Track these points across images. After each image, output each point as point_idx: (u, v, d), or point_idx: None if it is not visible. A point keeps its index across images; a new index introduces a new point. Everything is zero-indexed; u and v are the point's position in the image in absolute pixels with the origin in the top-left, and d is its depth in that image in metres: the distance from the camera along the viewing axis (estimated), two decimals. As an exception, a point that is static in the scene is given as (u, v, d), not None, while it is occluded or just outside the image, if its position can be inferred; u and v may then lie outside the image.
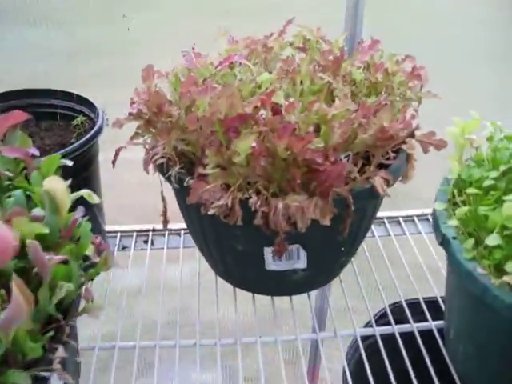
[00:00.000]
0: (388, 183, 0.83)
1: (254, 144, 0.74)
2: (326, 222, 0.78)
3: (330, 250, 0.89)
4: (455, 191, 0.77)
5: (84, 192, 0.78)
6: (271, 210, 0.77)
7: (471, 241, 0.69)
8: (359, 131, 0.81)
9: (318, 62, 0.92)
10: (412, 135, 0.86)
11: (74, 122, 0.99)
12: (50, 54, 3.58)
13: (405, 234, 1.17)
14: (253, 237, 0.84)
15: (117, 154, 0.87)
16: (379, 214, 1.17)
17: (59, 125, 1.01)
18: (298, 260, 0.88)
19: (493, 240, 0.65)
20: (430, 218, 1.19)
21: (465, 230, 0.72)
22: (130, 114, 0.86)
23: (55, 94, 1.03)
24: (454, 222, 0.71)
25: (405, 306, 1.00)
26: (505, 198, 0.68)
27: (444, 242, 0.73)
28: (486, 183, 0.73)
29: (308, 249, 0.87)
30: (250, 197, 0.78)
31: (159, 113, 0.84)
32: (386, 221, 1.20)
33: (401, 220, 1.21)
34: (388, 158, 0.87)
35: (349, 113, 0.81)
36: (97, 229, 1.04)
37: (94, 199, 0.79)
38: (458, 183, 0.79)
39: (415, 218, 1.21)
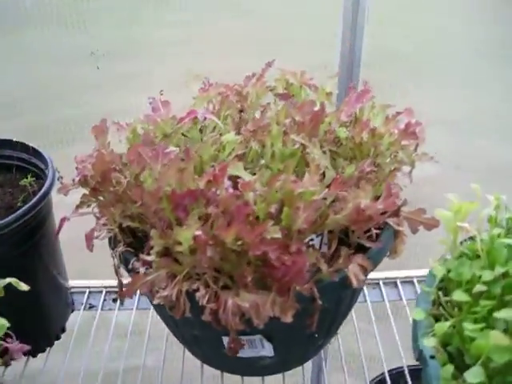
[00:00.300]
0: (366, 270, 0.70)
1: (198, 232, 0.62)
2: (288, 319, 0.66)
3: (301, 338, 0.77)
4: (440, 293, 0.64)
5: (11, 280, 0.68)
6: (220, 307, 0.66)
7: (450, 368, 0.56)
8: (330, 211, 0.69)
9: (294, 118, 0.79)
10: (397, 214, 0.73)
11: (22, 183, 0.89)
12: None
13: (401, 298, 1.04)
14: (208, 326, 0.73)
15: (60, 226, 0.77)
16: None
17: (15, 178, 0.92)
18: (263, 348, 0.76)
19: (474, 376, 0.52)
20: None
21: (445, 348, 0.59)
22: (77, 180, 0.76)
23: (15, 146, 0.94)
24: (431, 342, 0.58)
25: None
26: (496, 314, 0.55)
27: (421, 359, 0.60)
28: (477, 288, 0.60)
29: (273, 339, 0.75)
30: (198, 289, 0.67)
31: (104, 181, 0.74)
32: (380, 283, 1.06)
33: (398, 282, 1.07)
34: (370, 236, 0.74)
35: (320, 189, 0.68)
36: (55, 286, 0.95)
37: (21, 286, 0.69)
38: (445, 281, 0.66)
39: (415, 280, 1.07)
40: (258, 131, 0.76)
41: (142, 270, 0.70)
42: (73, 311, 1.02)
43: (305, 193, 0.67)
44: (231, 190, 0.68)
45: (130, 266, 0.71)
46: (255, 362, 0.79)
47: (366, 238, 0.73)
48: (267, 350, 0.76)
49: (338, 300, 0.75)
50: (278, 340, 0.75)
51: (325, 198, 0.68)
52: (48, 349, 0.95)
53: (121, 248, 0.73)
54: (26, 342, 0.92)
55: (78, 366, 0.92)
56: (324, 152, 0.76)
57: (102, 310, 1.02)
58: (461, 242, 0.70)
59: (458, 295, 0.60)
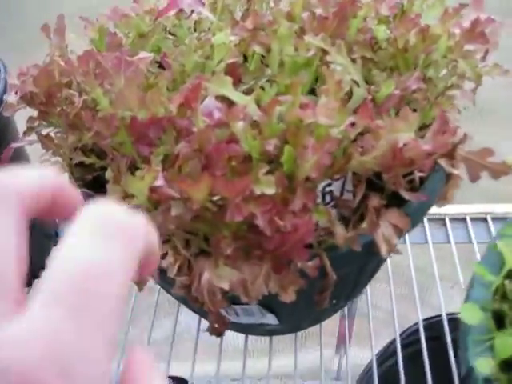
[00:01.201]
0: (401, 232, 0.50)
1: (157, 183, 0.43)
2: (289, 297, 0.48)
3: (311, 307, 0.59)
4: (507, 282, 0.44)
5: None
6: (194, 282, 0.48)
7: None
8: (355, 149, 0.48)
9: (312, 11, 0.56)
10: (451, 155, 0.52)
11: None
12: None
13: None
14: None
15: (5, 157, 0.59)
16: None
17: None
18: (264, 317, 0.59)
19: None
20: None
21: (507, 370, 0.40)
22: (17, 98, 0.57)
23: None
24: (488, 364, 0.39)
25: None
26: None
27: (469, 380, 0.41)
28: None
29: (275, 310, 0.58)
30: (166, 255, 0.49)
31: (49, 101, 0.55)
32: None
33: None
34: (411, 181, 0.54)
35: (340, 119, 0.47)
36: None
37: None
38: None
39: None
40: (260, 31, 0.55)
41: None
42: (56, 244, 0.87)
43: (317, 124, 0.47)
44: (217, 116, 0.48)
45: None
46: (258, 327, 0.63)
47: (406, 184, 0.53)
48: (269, 318, 0.59)
49: (360, 268, 0.56)
50: (281, 311, 0.58)
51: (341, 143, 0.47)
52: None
53: (74, 190, 0.55)
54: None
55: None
56: (353, 60, 0.54)
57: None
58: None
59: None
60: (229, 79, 0.49)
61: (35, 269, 0.75)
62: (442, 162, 0.53)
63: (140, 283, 0.51)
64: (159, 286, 0.74)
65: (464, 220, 0.84)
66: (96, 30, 0.61)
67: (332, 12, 0.54)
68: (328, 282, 0.49)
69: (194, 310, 0.70)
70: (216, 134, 0.47)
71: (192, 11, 0.61)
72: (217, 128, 0.46)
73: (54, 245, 0.87)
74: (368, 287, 0.72)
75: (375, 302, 1.11)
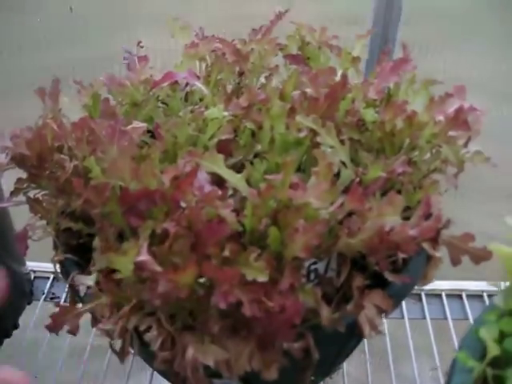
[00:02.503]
0: (384, 313, 0.51)
1: (142, 257, 0.43)
2: (271, 375, 0.48)
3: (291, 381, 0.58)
4: (488, 369, 0.44)
5: None
6: (176, 357, 0.47)
7: None
8: (342, 231, 0.49)
9: (303, 91, 0.58)
10: (435, 239, 0.53)
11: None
12: None
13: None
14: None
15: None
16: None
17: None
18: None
19: None
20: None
21: None
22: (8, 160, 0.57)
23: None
24: None
25: None
26: None
27: None
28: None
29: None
30: (149, 327, 0.48)
31: (41, 166, 0.55)
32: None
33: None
34: (394, 262, 0.55)
35: (329, 200, 0.48)
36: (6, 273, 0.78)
37: None
38: (497, 347, 0.46)
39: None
40: (253, 108, 0.56)
41: (81, 289, 0.53)
42: (29, 303, 0.85)
43: (307, 206, 0.48)
44: (208, 191, 0.48)
45: (70, 282, 0.54)
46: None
47: (389, 265, 0.54)
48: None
49: (341, 347, 0.56)
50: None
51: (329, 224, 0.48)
52: (-5, 348, 0.80)
53: (59, 256, 0.55)
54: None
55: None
56: (342, 142, 0.56)
57: (66, 301, 0.85)
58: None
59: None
60: (221, 157, 0.50)
61: (8, 328, 0.73)
62: (425, 246, 0.54)
63: (121, 355, 0.50)
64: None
65: (439, 296, 0.86)
66: (90, 95, 0.61)
67: (324, 94, 0.56)
68: (310, 362, 0.49)
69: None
70: (206, 212, 0.47)
71: (186, 84, 0.62)
72: (207, 205, 0.46)
73: (28, 303, 0.86)
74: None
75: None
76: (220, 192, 0.48)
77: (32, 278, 0.89)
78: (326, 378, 0.66)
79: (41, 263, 0.90)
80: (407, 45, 0.67)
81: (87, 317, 0.51)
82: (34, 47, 1.17)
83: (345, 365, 0.78)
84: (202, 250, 0.45)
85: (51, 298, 0.86)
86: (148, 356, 0.51)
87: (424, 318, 0.83)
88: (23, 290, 0.84)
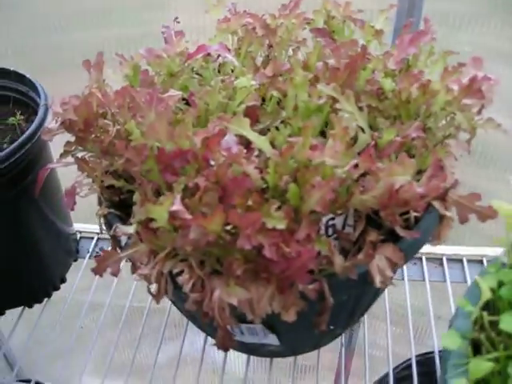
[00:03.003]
0: (395, 266, 0.56)
1: (175, 207, 0.49)
2: (290, 317, 0.54)
3: (311, 331, 0.64)
4: (484, 313, 0.49)
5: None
6: (206, 298, 0.53)
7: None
8: (356, 188, 0.54)
9: (325, 62, 0.63)
10: (443, 197, 0.57)
11: (10, 121, 0.78)
12: None
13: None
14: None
15: (41, 177, 0.66)
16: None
17: (12, 112, 0.81)
18: (266, 337, 0.64)
19: None
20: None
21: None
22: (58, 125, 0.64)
23: (9, 74, 0.82)
24: (462, 383, 0.44)
25: None
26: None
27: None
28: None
29: (277, 331, 0.63)
30: (182, 272, 0.55)
31: (87, 129, 0.61)
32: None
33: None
34: (407, 220, 0.59)
35: (345, 160, 0.53)
36: (53, 232, 0.85)
37: None
38: (495, 296, 0.50)
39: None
40: (278, 78, 0.61)
41: (123, 239, 0.59)
42: (76, 260, 0.93)
43: (323, 165, 0.53)
44: (235, 151, 0.54)
45: (112, 233, 0.60)
46: (260, 347, 0.68)
47: (402, 222, 0.58)
48: (271, 339, 0.64)
49: (357, 296, 0.61)
50: (282, 332, 0.63)
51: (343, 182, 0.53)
52: (46, 300, 0.88)
53: (103, 210, 0.61)
54: (20, 291, 0.85)
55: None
56: (360, 108, 0.61)
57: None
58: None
59: (508, 322, 0.46)
60: (247, 120, 0.56)
61: (56, 281, 0.82)
62: (436, 204, 0.59)
63: (157, 296, 0.56)
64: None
65: (461, 261, 0.90)
66: (131, 67, 0.67)
67: (344, 64, 0.61)
68: (326, 306, 0.55)
69: (201, 328, 0.76)
70: (233, 170, 0.53)
71: (218, 56, 0.67)
72: (233, 162, 0.52)
73: (75, 260, 0.93)
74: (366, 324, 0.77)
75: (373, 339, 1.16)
76: (245, 152, 0.53)
77: (78, 238, 0.96)
78: (345, 329, 0.71)
79: (86, 225, 0.98)
80: (429, 19, 0.70)
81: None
82: (75, 26, 1.24)
83: (366, 331, 0.83)
84: (229, 201, 0.50)
85: (95, 256, 0.93)
86: (180, 299, 0.57)
87: (445, 281, 0.88)
88: (70, 249, 0.92)
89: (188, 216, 0.49)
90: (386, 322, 0.82)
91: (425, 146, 0.61)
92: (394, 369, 0.83)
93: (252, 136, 0.55)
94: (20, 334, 0.87)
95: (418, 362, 0.80)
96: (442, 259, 0.91)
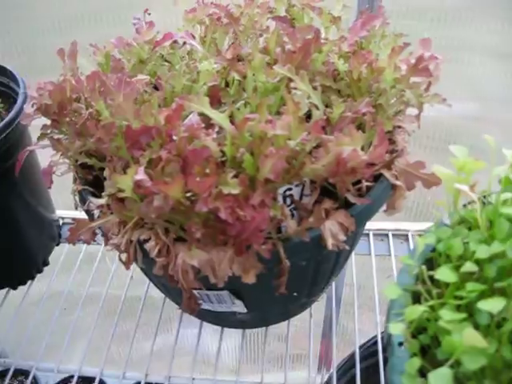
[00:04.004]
0: (347, 230, 0.60)
1: (139, 176, 0.54)
2: (250, 279, 0.58)
3: (275, 297, 0.68)
4: (424, 267, 0.53)
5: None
6: (171, 262, 0.58)
7: (417, 362, 0.46)
8: (306, 159, 0.58)
9: (283, 46, 0.67)
10: (388, 166, 0.62)
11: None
12: None
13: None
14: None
15: (19, 160, 0.70)
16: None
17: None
18: (234, 304, 0.69)
19: (439, 379, 0.43)
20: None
21: (418, 336, 0.49)
22: (34, 109, 0.68)
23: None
24: (398, 327, 0.48)
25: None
26: (480, 304, 0.45)
27: (388, 346, 0.51)
28: (467, 267, 0.49)
29: (242, 297, 0.67)
30: (149, 239, 0.59)
31: (61, 112, 0.66)
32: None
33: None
34: (360, 189, 0.64)
35: (297, 133, 0.58)
36: (35, 217, 0.90)
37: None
38: (436, 253, 0.55)
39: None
40: (236, 60, 0.66)
41: (96, 213, 0.64)
42: (58, 244, 0.98)
43: (277, 137, 0.57)
44: (194, 126, 0.59)
45: (85, 207, 0.64)
46: (230, 316, 0.72)
47: (355, 191, 0.63)
48: (239, 306, 0.69)
49: (316, 262, 0.65)
50: (247, 297, 0.67)
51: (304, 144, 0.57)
52: (29, 281, 0.92)
53: (78, 186, 0.66)
54: (4, 273, 0.89)
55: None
56: (315, 88, 0.65)
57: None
58: (465, 206, 0.59)
59: (442, 273, 0.50)
60: (206, 99, 0.60)
61: (39, 264, 0.87)
62: (386, 174, 0.63)
63: (127, 263, 0.61)
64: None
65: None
66: (103, 55, 0.72)
67: (298, 47, 0.65)
68: (283, 268, 0.59)
69: (174, 300, 0.80)
70: (195, 144, 0.57)
71: (184, 42, 0.72)
72: (191, 135, 0.56)
73: (57, 245, 0.98)
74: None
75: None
76: (203, 126, 0.58)
77: (60, 223, 1.01)
78: (311, 298, 0.76)
79: (68, 211, 1.02)
80: (382, 6, 0.75)
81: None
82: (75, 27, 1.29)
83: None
84: (189, 170, 0.55)
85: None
86: (148, 265, 0.62)
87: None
88: (52, 234, 0.96)
89: (150, 183, 0.53)
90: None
91: (375, 121, 0.65)
92: (360, 346, 0.88)
93: (211, 113, 0.60)
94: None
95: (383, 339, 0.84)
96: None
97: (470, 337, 0.42)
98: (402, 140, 0.67)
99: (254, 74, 0.66)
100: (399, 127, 0.69)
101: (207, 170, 0.55)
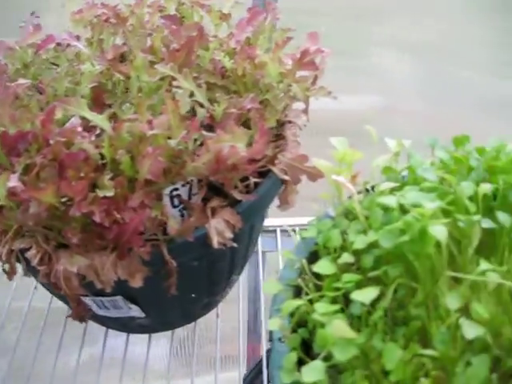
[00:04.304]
0: (233, 227, 0.60)
1: (12, 183, 0.52)
2: (137, 283, 0.57)
3: (172, 299, 0.67)
4: (304, 261, 0.54)
5: None
6: (53, 269, 0.56)
7: (293, 356, 0.46)
8: (188, 158, 0.58)
9: (167, 45, 0.67)
10: (272, 161, 0.62)
11: None
12: None
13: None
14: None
15: None
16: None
17: None
18: (131, 309, 0.68)
19: (311, 372, 0.43)
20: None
21: (297, 330, 0.49)
22: None
23: None
24: (275, 322, 0.48)
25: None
26: (353, 295, 0.45)
27: (271, 341, 0.51)
28: (344, 258, 0.49)
29: (139, 300, 0.66)
30: (30, 247, 0.57)
31: None
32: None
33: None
34: (248, 186, 0.63)
35: (177, 132, 0.57)
36: None
37: None
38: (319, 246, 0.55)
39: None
40: (119, 61, 0.65)
41: (-24, 223, 0.61)
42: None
43: (157, 136, 0.57)
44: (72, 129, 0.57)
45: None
46: (130, 321, 0.71)
47: (243, 188, 0.63)
48: (135, 311, 0.68)
49: (209, 259, 0.65)
50: (142, 302, 0.66)
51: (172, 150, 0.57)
52: None
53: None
54: None
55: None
56: (199, 85, 0.65)
57: None
58: (350, 197, 0.59)
59: (321, 266, 0.50)
60: (84, 101, 0.59)
61: None
62: (274, 169, 0.64)
63: (9, 274, 0.59)
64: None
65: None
66: (-14, 60, 0.70)
67: (181, 45, 0.65)
68: (170, 269, 0.58)
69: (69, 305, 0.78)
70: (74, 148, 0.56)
71: (68, 44, 0.70)
72: (66, 138, 0.55)
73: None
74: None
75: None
76: (80, 128, 0.56)
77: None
78: (212, 299, 0.75)
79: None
80: (272, 1, 0.76)
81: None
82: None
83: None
84: (64, 174, 0.53)
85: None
86: (35, 273, 0.60)
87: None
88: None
89: (23, 190, 0.52)
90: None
91: (262, 117, 0.65)
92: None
93: (89, 115, 0.59)
94: None
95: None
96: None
97: (339, 328, 0.42)
98: (292, 135, 0.68)
99: (136, 75, 0.65)
100: (290, 122, 0.69)
101: (82, 174, 0.54)
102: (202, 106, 0.64)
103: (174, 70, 0.63)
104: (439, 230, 0.44)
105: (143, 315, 0.68)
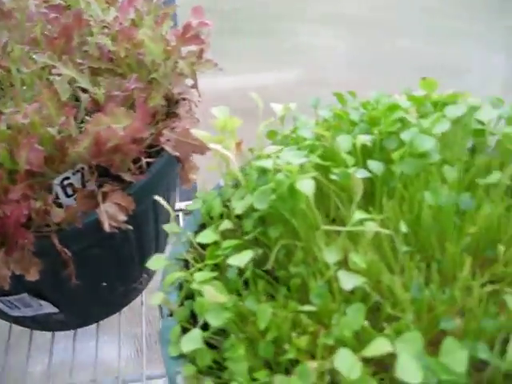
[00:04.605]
0: (126, 210, 0.59)
1: None
2: (33, 276, 0.57)
3: (81, 290, 0.66)
4: (190, 234, 0.53)
5: None
6: None
7: (178, 329, 0.46)
8: (69, 145, 0.57)
9: (46, 34, 0.66)
10: (157, 139, 0.62)
11: None
12: None
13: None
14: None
15: None
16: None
17: None
18: (42, 306, 0.67)
19: (189, 342, 0.42)
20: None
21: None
22: None
23: None
24: (158, 297, 0.48)
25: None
26: (230, 260, 0.45)
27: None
28: (224, 225, 0.49)
29: (46, 295, 0.65)
30: None
31: None
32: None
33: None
34: (141, 167, 0.63)
35: (55, 119, 0.56)
36: None
37: None
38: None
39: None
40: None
41: None
42: None
43: (35, 126, 0.56)
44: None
45: None
46: (47, 318, 0.70)
47: (137, 169, 0.62)
48: (47, 307, 0.67)
49: (110, 245, 0.64)
50: (50, 296, 0.65)
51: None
52: None
53: None
54: None
55: None
56: (82, 71, 0.64)
57: None
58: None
59: (204, 235, 0.50)
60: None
61: None
62: (166, 147, 0.63)
63: None
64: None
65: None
66: None
67: (58, 32, 0.64)
68: (65, 259, 0.58)
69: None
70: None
71: None
72: None
73: None
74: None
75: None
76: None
77: None
78: (129, 286, 0.74)
79: None
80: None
81: None
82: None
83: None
84: None
85: None
86: None
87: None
88: None
89: None
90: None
91: (152, 97, 0.65)
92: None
93: (-36, 112, 0.57)
94: None
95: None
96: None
97: (210, 293, 0.42)
98: (186, 112, 0.67)
99: (16, 67, 0.63)
100: (184, 99, 0.68)
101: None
102: (85, 91, 0.63)
103: (51, 58, 0.62)
104: (305, 185, 0.44)
105: (56, 310, 0.67)
